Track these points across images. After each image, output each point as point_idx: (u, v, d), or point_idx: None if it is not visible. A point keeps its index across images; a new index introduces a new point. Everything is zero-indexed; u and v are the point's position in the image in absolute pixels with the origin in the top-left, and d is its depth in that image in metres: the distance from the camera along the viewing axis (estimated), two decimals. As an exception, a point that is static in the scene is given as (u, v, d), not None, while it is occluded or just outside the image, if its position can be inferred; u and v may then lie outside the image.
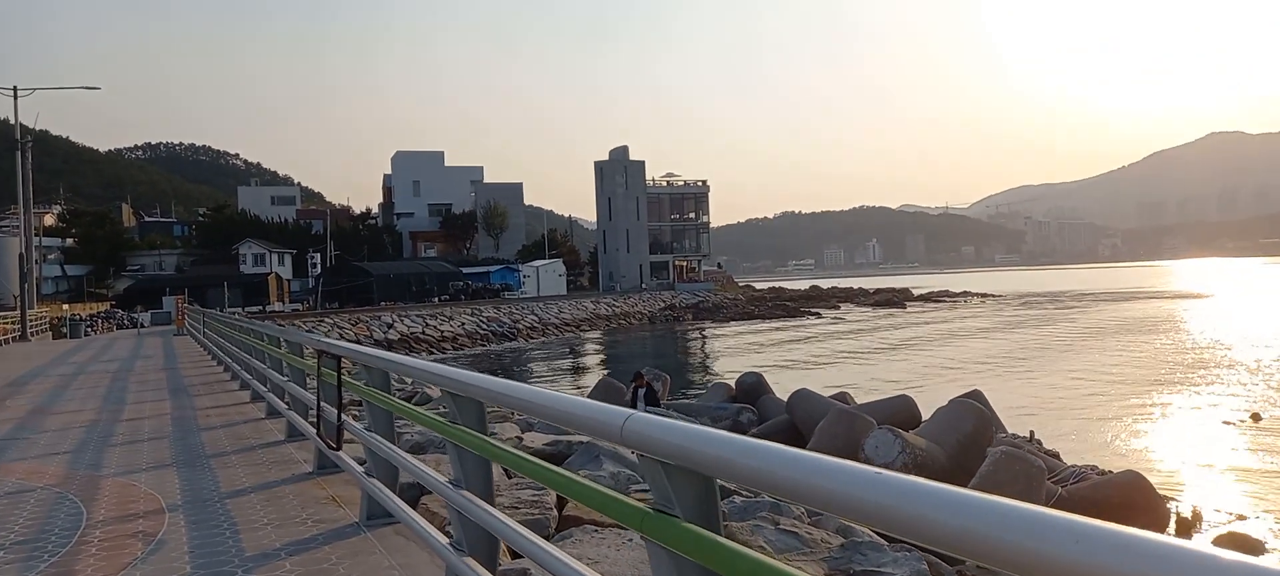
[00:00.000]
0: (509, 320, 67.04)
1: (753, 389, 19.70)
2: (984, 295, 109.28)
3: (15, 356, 27.16)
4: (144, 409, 12.76)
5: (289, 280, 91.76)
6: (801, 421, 17.30)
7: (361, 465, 6.06)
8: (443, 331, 58.89)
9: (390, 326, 56.87)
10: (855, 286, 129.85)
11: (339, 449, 6.16)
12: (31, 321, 40.04)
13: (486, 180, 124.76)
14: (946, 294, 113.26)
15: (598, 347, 58.08)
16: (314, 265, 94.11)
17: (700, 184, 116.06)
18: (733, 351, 49.08)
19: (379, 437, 5.74)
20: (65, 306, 58.73)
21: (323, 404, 6.93)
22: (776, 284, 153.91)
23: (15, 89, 39.47)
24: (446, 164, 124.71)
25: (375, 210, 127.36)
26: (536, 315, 71.50)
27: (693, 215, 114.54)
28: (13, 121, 41.63)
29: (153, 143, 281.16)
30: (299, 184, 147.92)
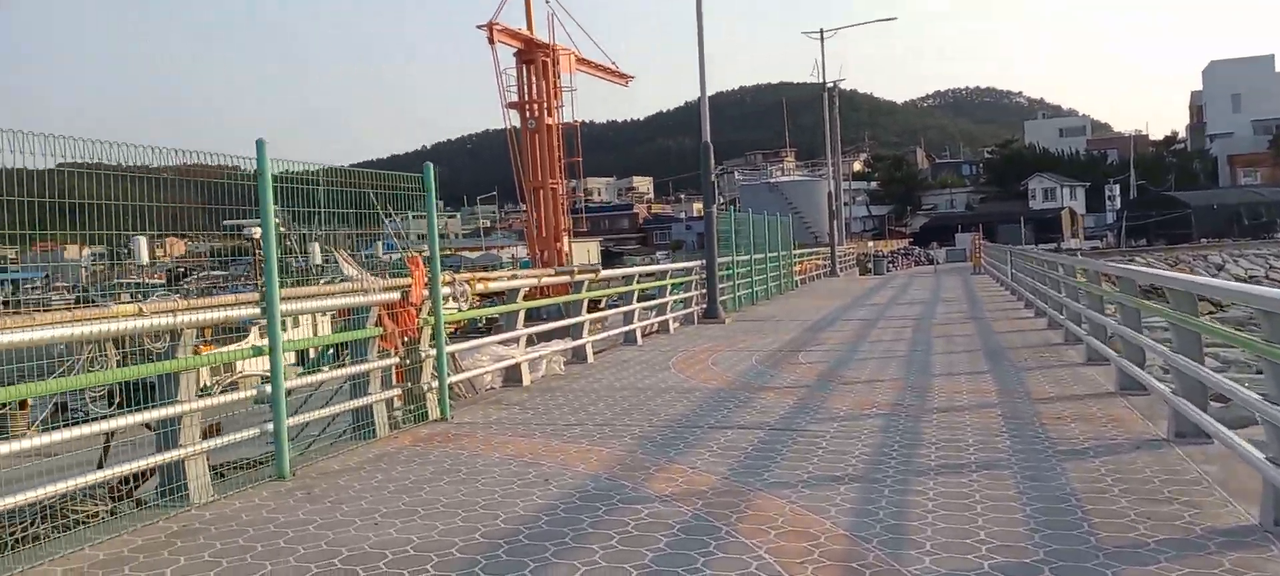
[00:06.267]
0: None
1: None
2: None
3: (822, 292, 27.23)
4: (959, 387, 8.99)
5: (1082, 215, 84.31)
6: None
7: None
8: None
9: (1219, 268, 45.82)
10: None
11: None
12: (839, 258, 41.81)
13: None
14: None
15: None
16: (1112, 198, 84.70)
17: None
18: None
19: None
20: (869, 243, 62.15)
21: None
22: None
23: (821, 31, 41.18)
24: (1278, 70, 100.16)
25: (1181, 134, 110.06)
26: None
27: None
28: (819, 82, 43.77)
29: (941, 90, 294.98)
30: (1086, 116, 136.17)
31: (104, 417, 5.63)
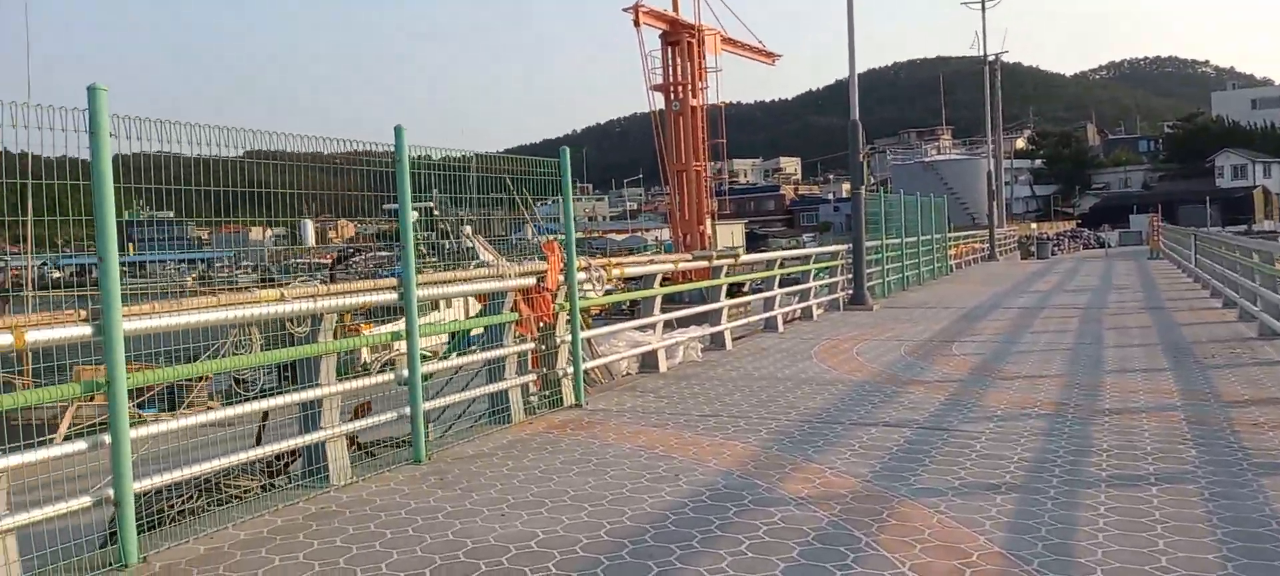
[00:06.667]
0: None
1: None
2: None
3: (978, 278, 25.83)
4: (1134, 386, 8.18)
5: (1278, 194, 76.69)
6: None
7: None
8: None
9: None
10: None
11: None
12: (999, 241, 39.62)
13: None
14: None
15: None
16: (1316, 175, 76.66)
17: None
18: None
19: None
20: (1033, 225, 58.66)
21: None
22: None
23: (983, 2, 38.97)
24: None
25: None
26: None
27: None
28: (979, 55, 41.50)
29: (1115, 61, 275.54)
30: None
31: (249, 398, 5.83)
